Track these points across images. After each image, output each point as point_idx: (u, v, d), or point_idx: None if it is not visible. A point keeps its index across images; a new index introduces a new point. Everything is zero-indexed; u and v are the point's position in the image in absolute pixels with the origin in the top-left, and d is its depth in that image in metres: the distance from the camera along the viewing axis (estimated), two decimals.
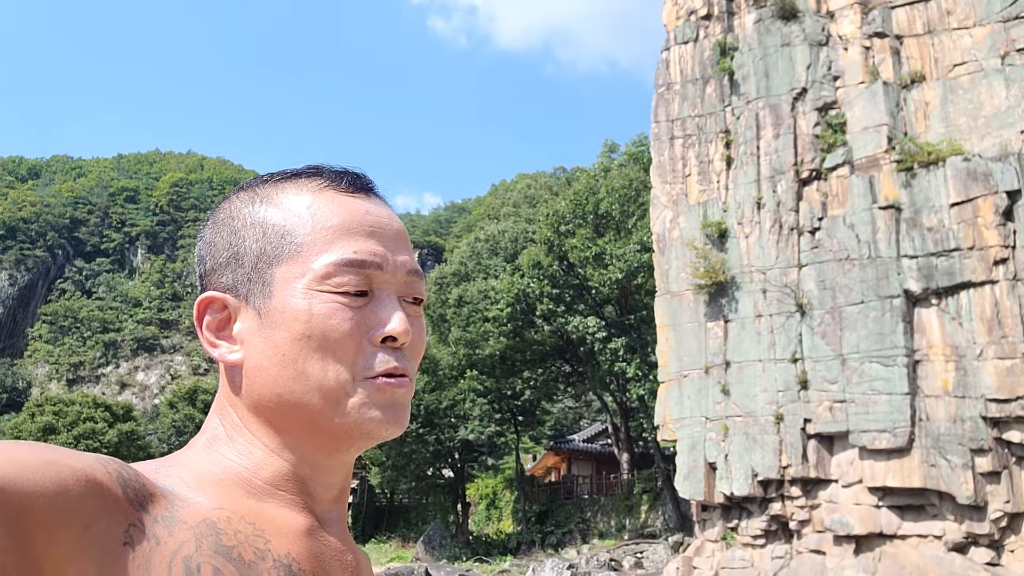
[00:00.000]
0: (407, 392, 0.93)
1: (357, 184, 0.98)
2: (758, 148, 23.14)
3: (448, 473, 42.50)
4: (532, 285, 35.22)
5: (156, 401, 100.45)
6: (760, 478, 21.07)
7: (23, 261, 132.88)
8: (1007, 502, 17.84)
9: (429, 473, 41.56)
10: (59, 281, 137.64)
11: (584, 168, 48.46)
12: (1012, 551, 17.86)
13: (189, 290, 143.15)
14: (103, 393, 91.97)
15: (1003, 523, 17.93)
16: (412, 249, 1.00)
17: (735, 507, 21.91)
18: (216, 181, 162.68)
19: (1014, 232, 18.46)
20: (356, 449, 0.93)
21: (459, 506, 41.34)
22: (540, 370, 39.36)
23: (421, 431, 37.87)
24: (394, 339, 0.92)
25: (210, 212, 1.04)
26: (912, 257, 19.65)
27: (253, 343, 0.92)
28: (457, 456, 41.01)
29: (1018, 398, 17.69)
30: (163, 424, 51.02)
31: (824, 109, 22.18)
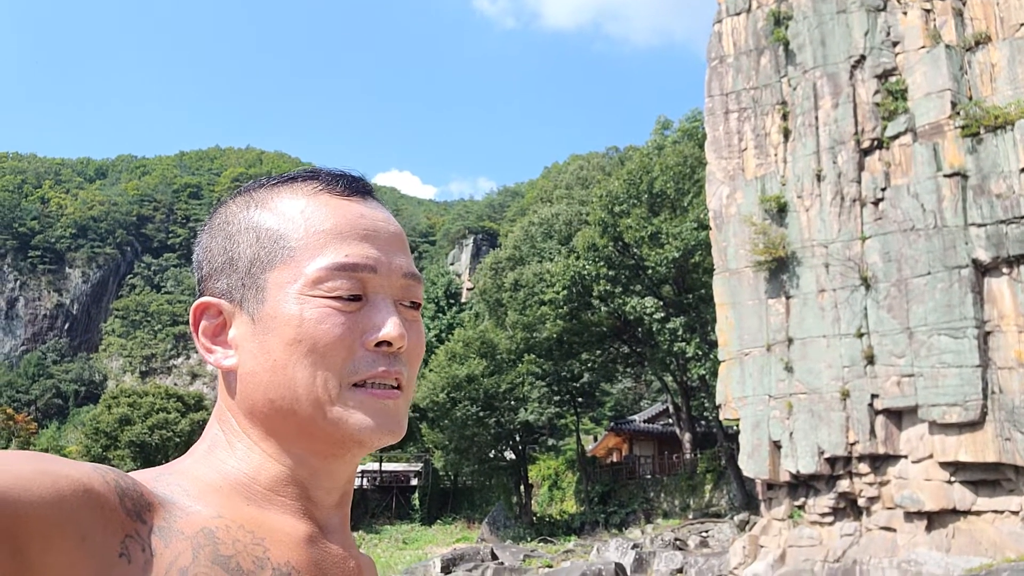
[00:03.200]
0: (399, 402, 0.91)
1: (353, 187, 0.97)
2: (816, 119, 22.58)
3: (510, 455, 42.84)
4: (588, 267, 35.10)
5: None
6: (827, 455, 20.73)
7: (94, 259, 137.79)
8: None
9: (491, 455, 41.94)
10: (129, 277, 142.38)
11: (637, 147, 47.97)
12: None
13: None
14: (175, 384, 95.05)
15: None
16: (410, 253, 0.98)
17: (801, 485, 21.61)
18: (275, 174, 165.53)
19: None
20: (352, 456, 0.92)
21: (522, 487, 41.68)
22: (598, 352, 39.27)
23: (482, 414, 38.22)
24: (389, 344, 0.90)
25: (207, 217, 1.02)
26: (980, 225, 19.00)
27: (247, 348, 0.91)
28: (518, 438, 41.30)
29: None
30: None
31: (884, 76, 21.52)
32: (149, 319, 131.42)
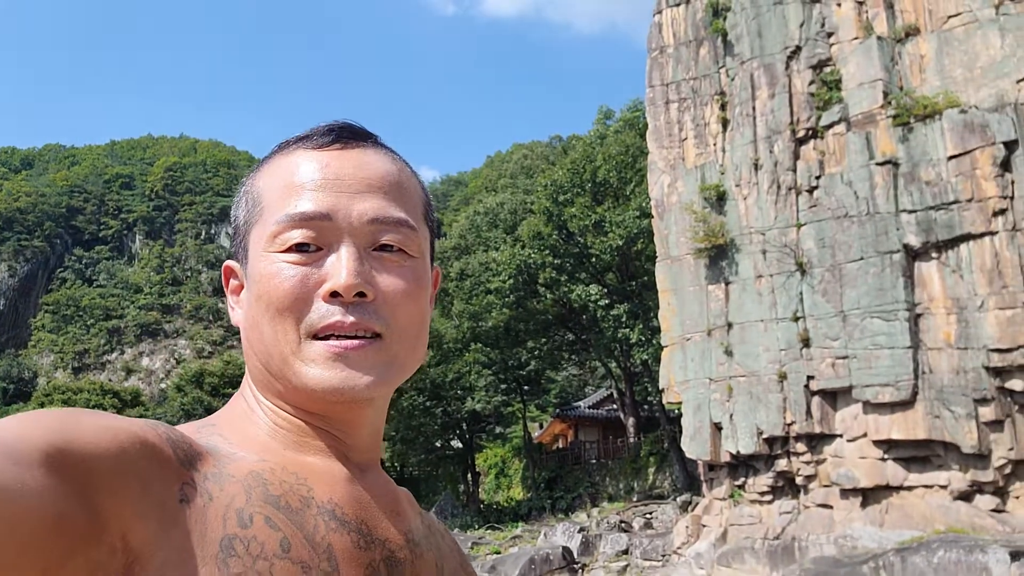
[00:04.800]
0: (367, 351, 0.88)
1: (328, 138, 0.96)
2: (754, 109, 23.09)
3: (457, 444, 42.91)
4: (533, 256, 35.29)
5: (163, 385, 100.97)
6: (765, 436, 21.33)
7: (21, 252, 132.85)
8: (1010, 449, 18.09)
9: (438, 445, 41.95)
10: (59, 270, 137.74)
11: (580, 136, 48.30)
12: (1017, 497, 18.15)
13: (189, 274, 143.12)
14: (110, 380, 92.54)
15: (1007, 470, 18.19)
16: (395, 198, 0.95)
17: (741, 465, 22.20)
18: (210, 164, 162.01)
19: (1012, 183, 18.51)
20: (342, 407, 0.91)
21: (469, 476, 41.82)
22: (544, 339, 39.56)
23: (428, 404, 38.17)
24: (339, 294, 0.88)
25: None
26: (911, 212, 19.72)
27: (244, 307, 0.95)
28: (465, 427, 41.37)
29: (1020, 347, 17.86)
30: (172, 408, 51.36)
31: (819, 67, 22.11)
32: (81, 314, 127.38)
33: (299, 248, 0.89)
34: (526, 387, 41.56)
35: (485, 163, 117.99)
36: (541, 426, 47.27)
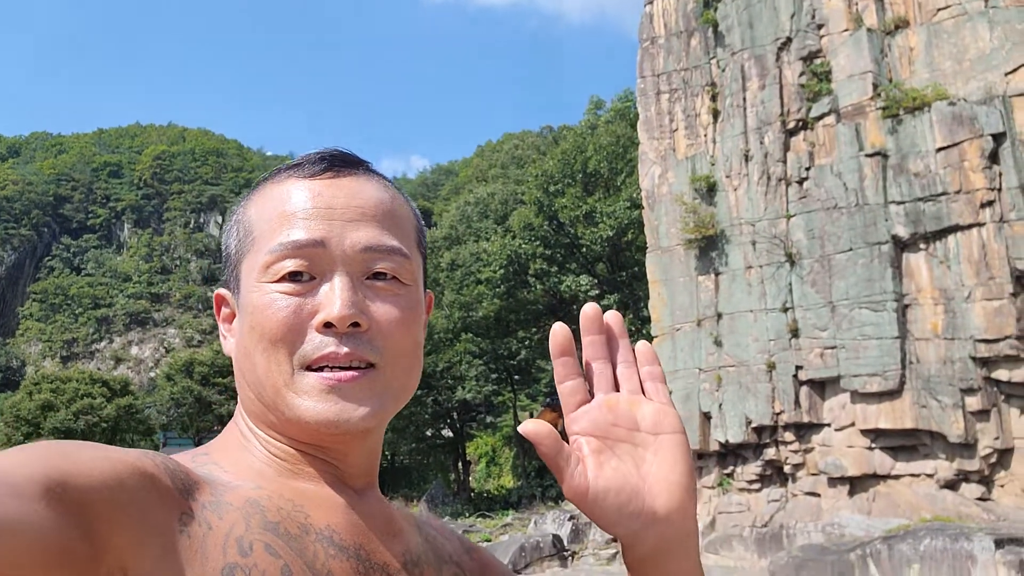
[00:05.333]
0: (361, 383, 0.87)
1: (321, 166, 0.95)
2: (744, 100, 23.17)
3: (448, 433, 43.02)
4: (524, 246, 35.36)
5: (152, 374, 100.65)
6: (754, 425, 21.52)
7: (8, 240, 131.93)
8: (996, 439, 18.32)
9: (429, 434, 42.05)
10: (47, 259, 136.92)
11: (571, 126, 48.27)
12: (1002, 486, 18.39)
13: (178, 263, 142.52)
14: (98, 369, 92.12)
15: (992, 459, 18.43)
16: (390, 226, 0.94)
17: (730, 454, 22.39)
18: (199, 152, 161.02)
19: (999, 174, 18.67)
20: (337, 438, 0.90)
21: (460, 464, 41.97)
22: (534, 329, 39.67)
23: (419, 393, 38.25)
24: (333, 324, 0.87)
25: None
26: (899, 203, 19.86)
27: (236, 336, 0.95)
28: (456, 416, 41.48)
29: (1006, 337, 18.06)
30: (161, 397, 51.23)
31: (809, 58, 22.19)
32: (69, 302, 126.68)
33: (292, 277, 0.88)
34: (516, 376, 41.69)
35: (476, 152, 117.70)
36: (531, 415, 47.41)
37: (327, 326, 0.87)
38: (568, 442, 0.88)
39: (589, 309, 0.90)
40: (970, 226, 18.80)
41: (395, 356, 0.91)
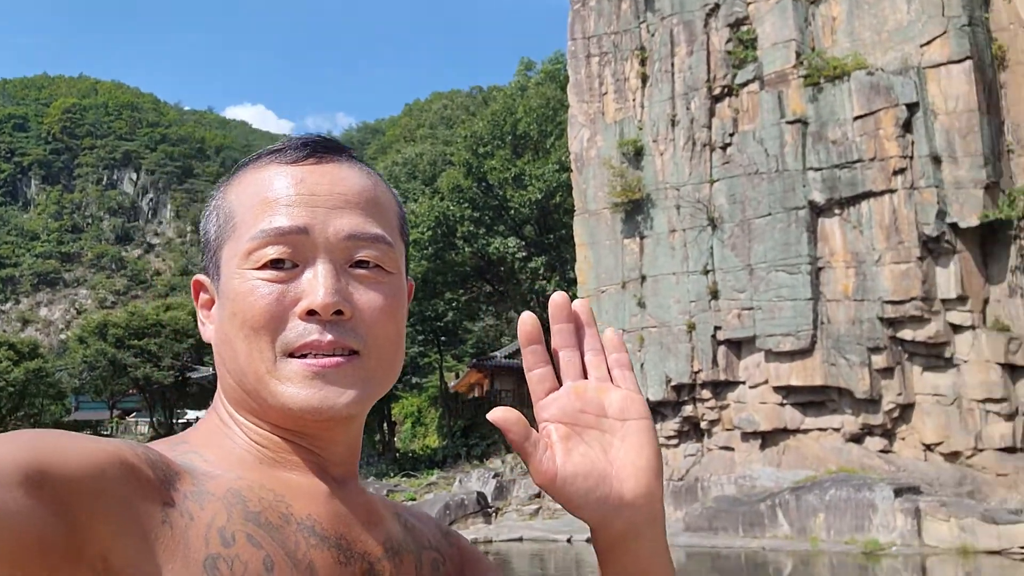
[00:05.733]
0: (345, 369, 0.87)
1: (303, 152, 0.94)
2: (672, 65, 23.48)
3: None
4: (452, 208, 35.24)
5: (63, 337, 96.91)
6: (673, 383, 22.18)
7: None
8: (899, 395, 19.35)
9: None
10: None
11: (501, 87, 48.05)
12: (903, 439, 19.48)
13: (90, 221, 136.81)
14: (4, 331, 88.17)
15: (895, 414, 19.48)
16: (373, 213, 0.94)
17: (651, 411, 23.02)
18: (112, 106, 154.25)
19: (912, 143, 19.49)
20: (320, 425, 0.90)
21: (385, 425, 41.94)
22: (461, 291, 39.73)
23: None
24: (316, 312, 0.87)
25: None
26: (817, 169, 20.55)
27: (216, 323, 0.94)
28: None
29: (912, 299, 19.01)
30: (73, 360, 49.36)
31: (736, 25, 22.60)
32: None
33: (274, 265, 0.88)
34: (443, 338, 41.75)
35: (404, 111, 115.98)
36: (457, 376, 47.63)
37: (310, 314, 0.86)
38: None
39: (558, 297, 0.90)
40: (883, 192, 19.62)
41: (378, 344, 0.90)
